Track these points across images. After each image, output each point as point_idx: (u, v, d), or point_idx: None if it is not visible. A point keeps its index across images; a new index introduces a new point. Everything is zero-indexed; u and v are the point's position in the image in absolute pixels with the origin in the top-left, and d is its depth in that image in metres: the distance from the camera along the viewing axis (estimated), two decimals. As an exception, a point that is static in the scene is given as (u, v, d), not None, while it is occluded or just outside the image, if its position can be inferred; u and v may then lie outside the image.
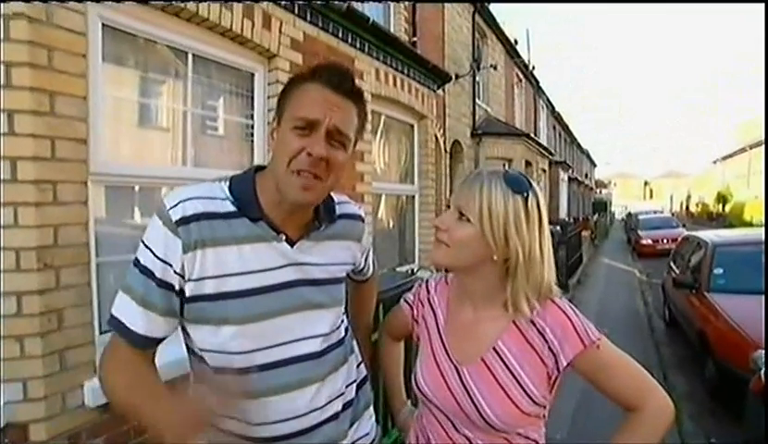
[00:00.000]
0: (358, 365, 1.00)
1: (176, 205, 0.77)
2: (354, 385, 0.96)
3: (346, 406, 0.92)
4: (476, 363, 0.85)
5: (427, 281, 1.03)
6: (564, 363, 0.81)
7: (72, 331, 1.66)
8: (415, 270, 3.34)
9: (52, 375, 1.61)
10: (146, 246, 0.77)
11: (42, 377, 1.58)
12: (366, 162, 3.71)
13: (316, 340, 0.87)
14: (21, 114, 1.53)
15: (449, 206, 0.88)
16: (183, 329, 0.84)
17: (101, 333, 1.81)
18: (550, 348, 0.82)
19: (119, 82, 2.02)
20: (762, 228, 5.77)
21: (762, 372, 2.25)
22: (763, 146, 15.96)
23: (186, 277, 0.77)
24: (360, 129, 0.87)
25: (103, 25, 1.82)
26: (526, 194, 0.82)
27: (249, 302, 0.80)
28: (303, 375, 0.84)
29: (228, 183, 0.84)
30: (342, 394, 0.91)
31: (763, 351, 2.92)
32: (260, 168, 0.89)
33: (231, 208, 0.81)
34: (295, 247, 0.85)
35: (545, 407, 0.86)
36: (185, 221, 0.77)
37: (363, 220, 1.01)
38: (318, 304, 0.87)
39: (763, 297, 3.58)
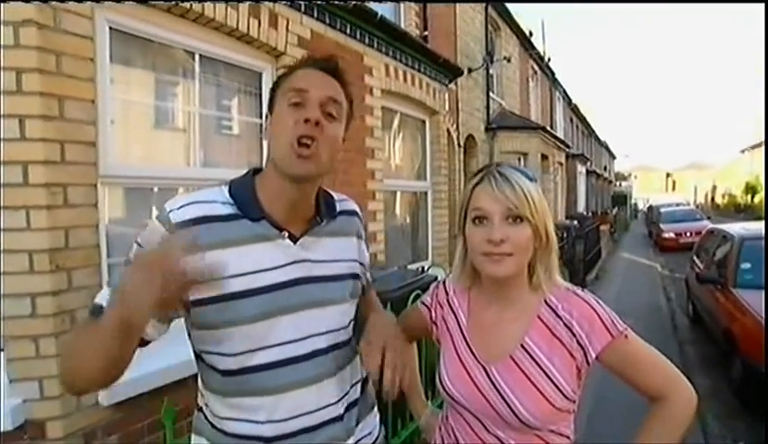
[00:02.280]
0: (360, 383, 0.98)
1: (176, 209, 0.79)
2: (360, 384, 0.95)
3: (351, 405, 0.91)
4: (504, 360, 0.85)
5: (444, 282, 1.02)
6: (593, 356, 0.81)
7: (85, 331, 1.69)
8: (427, 268, 3.31)
9: (66, 374, 1.64)
10: (139, 244, 0.79)
11: (57, 377, 1.61)
12: (377, 159, 3.69)
13: (322, 338, 0.85)
14: (32, 119, 1.56)
15: (479, 218, 0.83)
16: (189, 335, 0.85)
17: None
18: (578, 341, 0.81)
19: (128, 85, 2.04)
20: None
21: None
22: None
23: None
24: (350, 114, 0.90)
25: (110, 28, 1.84)
26: (536, 181, 0.86)
27: (253, 301, 0.79)
28: (309, 372, 0.83)
29: (227, 187, 0.85)
30: (348, 393, 0.90)
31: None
32: (258, 171, 0.89)
33: (231, 210, 0.82)
34: (298, 244, 0.85)
35: (575, 402, 0.85)
36: (184, 225, 0.77)
37: (359, 216, 1.01)
38: (323, 301, 0.86)
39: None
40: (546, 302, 0.86)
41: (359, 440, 0.92)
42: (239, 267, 0.78)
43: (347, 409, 0.89)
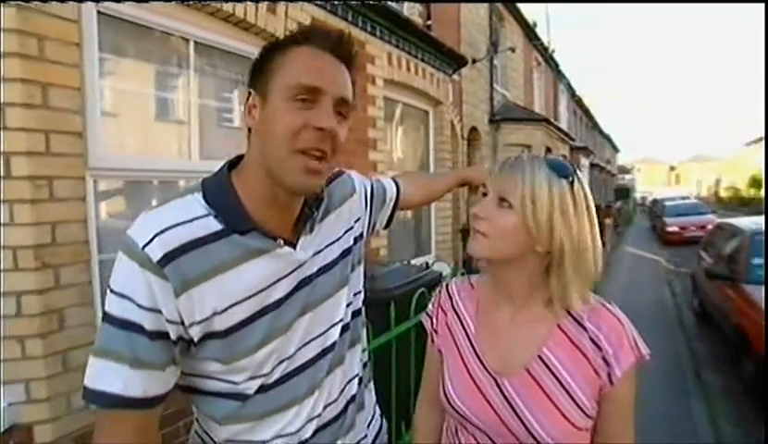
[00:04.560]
0: (362, 363, 0.92)
1: (150, 241, 0.63)
2: (358, 377, 0.89)
3: (354, 397, 0.86)
4: (518, 373, 0.77)
5: (447, 286, 0.93)
6: (619, 376, 0.73)
7: (74, 331, 1.61)
8: (431, 262, 3.22)
9: (55, 376, 1.57)
10: (121, 295, 0.63)
11: (44, 379, 1.54)
12: (380, 150, 3.60)
13: (333, 330, 0.81)
14: (12, 107, 1.46)
15: (485, 194, 0.80)
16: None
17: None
18: (604, 358, 0.74)
19: (118, 73, 1.94)
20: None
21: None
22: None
23: (187, 323, 0.65)
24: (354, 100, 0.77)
25: (98, 12, 1.74)
26: (571, 179, 0.76)
27: (265, 321, 0.71)
28: (324, 369, 0.79)
29: (200, 193, 0.70)
30: (350, 382, 0.85)
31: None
32: (234, 164, 0.75)
33: (217, 226, 0.67)
34: (298, 248, 0.75)
35: (593, 419, 0.78)
36: (170, 258, 0.63)
37: (348, 174, 0.93)
38: (329, 293, 0.80)
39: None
40: (569, 311, 0.78)
41: (360, 440, 0.87)
42: (241, 292, 0.68)
43: (348, 404, 0.84)
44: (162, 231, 0.63)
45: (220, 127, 2.48)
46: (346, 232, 0.85)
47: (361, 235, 0.90)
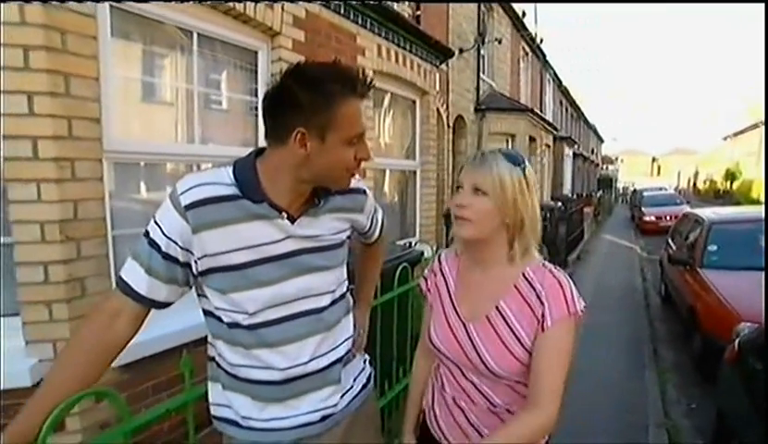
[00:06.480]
0: (354, 326, 1.13)
1: (185, 191, 0.88)
2: (350, 340, 1.09)
3: (342, 358, 1.06)
4: (481, 320, 0.99)
5: (439, 256, 1.17)
6: (550, 324, 0.93)
7: (94, 298, 1.80)
8: (414, 243, 3.45)
9: (77, 337, 1.76)
10: (156, 223, 0.89)
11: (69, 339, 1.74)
12: (368, 138, 3.76)
13: (322, 298, 1.00)
14: (39, 95, 1.62)
15: (458, 187, 1.01)
16: (202, 295, 0.97)
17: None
18: (541, 305, 0.95)
19: (128, 63, 2.09)
20: (761, 206, 5.80)
21: (737, 342, 2.37)
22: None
23: (197, 255, 0.89)
24: None
25: (111, 7, 1.88)
26: (523, 166, 0.98)
27: (254, 271, 0.92)
28: (310, 327, 0.98)
29: (232, 168, 0.93)
30: (339, 346, 1.05)
31: (747, 324, 3.06)
32: (260, 151, 0.97)
33: (234, 191, 0.90)
34: (296, 223, 0.96)
35: None
36: (193, 206, 0.87)
37: (364, 192, 1.11)
38: (319, 267, 0.99)
39: (758, 274, 3.68)
40: (524, 274, 0.99)
41: (345, 391, 1.06)
42: (239, 242, 0.90)
43: (338, 360, 1.04)
44: (195, 186, 0.89)
45: (219, 112, 2.65)
46: (340, 232, 1.05)
47: (348, 237, 1.10)
